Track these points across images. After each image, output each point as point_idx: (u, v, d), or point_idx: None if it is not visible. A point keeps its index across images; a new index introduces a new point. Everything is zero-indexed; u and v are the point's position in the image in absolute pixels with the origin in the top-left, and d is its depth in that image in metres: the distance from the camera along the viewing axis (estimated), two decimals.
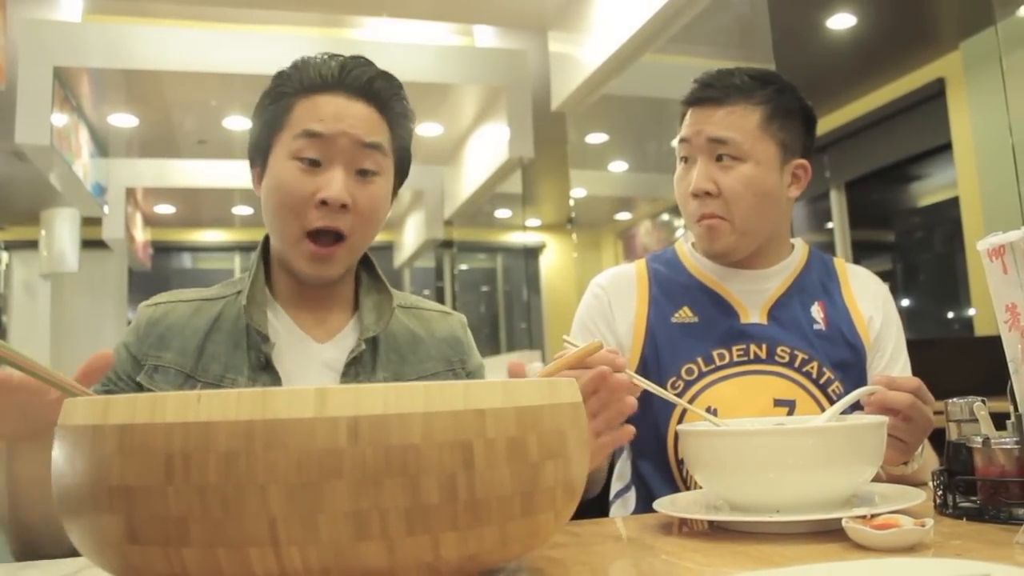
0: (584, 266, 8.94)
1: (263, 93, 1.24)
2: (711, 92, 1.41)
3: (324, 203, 1.15)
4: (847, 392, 1.28)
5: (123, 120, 5.96)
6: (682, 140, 1.44)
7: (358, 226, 1.19)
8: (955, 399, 1.04)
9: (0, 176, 6.83)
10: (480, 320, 9.93)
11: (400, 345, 1.27)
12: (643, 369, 1.41)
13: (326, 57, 1.22)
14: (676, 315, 1.44)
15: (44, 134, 4.45)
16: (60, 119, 4.75)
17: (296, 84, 1.20)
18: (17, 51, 4.36)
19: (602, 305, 1.49)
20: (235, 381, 1.17)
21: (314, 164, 1.16)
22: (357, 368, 1.21)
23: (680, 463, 1.37)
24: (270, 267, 1.28)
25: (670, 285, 1.48)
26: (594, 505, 1.45)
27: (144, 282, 8.77)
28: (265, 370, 1.18)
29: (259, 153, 1.23)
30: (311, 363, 1.21)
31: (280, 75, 1.23)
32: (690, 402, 1.36)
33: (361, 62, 1.23)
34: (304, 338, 1.23)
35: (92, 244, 7.45)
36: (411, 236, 8.51)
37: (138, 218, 8.01)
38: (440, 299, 9.12)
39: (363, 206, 1.18)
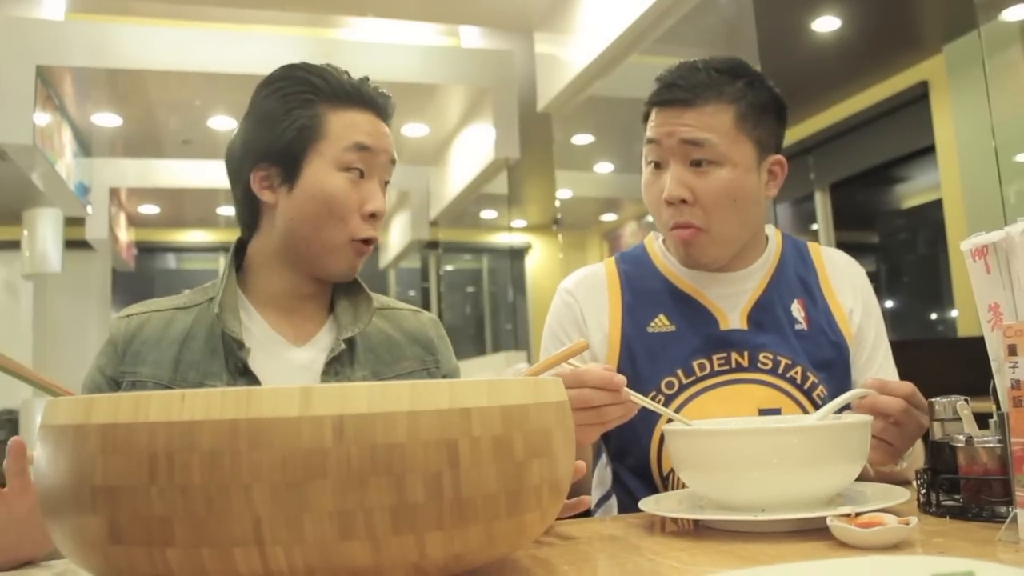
0: (570, 267, 8.92)
1: (278, 95, 1.23)
2: (679, 93, 1.30)
3: (373, 215, 1.22)
4: (832, 395, 1.27)
5: (107, 119, 5.91)
6: (650, 142, 1.35)
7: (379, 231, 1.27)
8: (939, 398, 1.05)
9: None
10: (465, 321, 9.92)
11: (375, 345, 1.28)
12: None
13: (342, 71, 1.27)
14: (652, 324, 1.37)
15: (26, 133, 4.41)
16: (43, 118, 4.72)
17: (326, 93, 1.22)
18: None
19: (573, 313, 1.43)
20: (214, 387, 1.16)
21: (359, 175, 1.22)
22: (337, 367, 1.22)
23: (664, 476, 1.33)
24: (243, 271, 1.28)
25: (642, 290, 1.41)
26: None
27: (128, 283, 8.71)
28: (243, 375, 1.18)
29: (283, 157, 1.21)
30: (288, 366, 1.22)
31: (300, 81, 1.23)
32: None
33: (367, 79, 1.29)
34: (280, 341, 1.23)
35: (75, 244, 7.37)
36: (396, 237, 8.50)
37: (122, 218, 7.96)
38: (425, 300, 9.10)
39: (384, 214, 1.27)
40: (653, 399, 1.31)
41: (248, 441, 0.58)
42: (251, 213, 1.26)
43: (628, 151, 6.75)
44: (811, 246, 1.50)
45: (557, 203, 6.92)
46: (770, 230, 1.47)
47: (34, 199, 6.93)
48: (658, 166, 1.35)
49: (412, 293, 9.56)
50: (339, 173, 1.20)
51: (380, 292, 1.40)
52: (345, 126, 1.21)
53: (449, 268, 9.66)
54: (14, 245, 7.78)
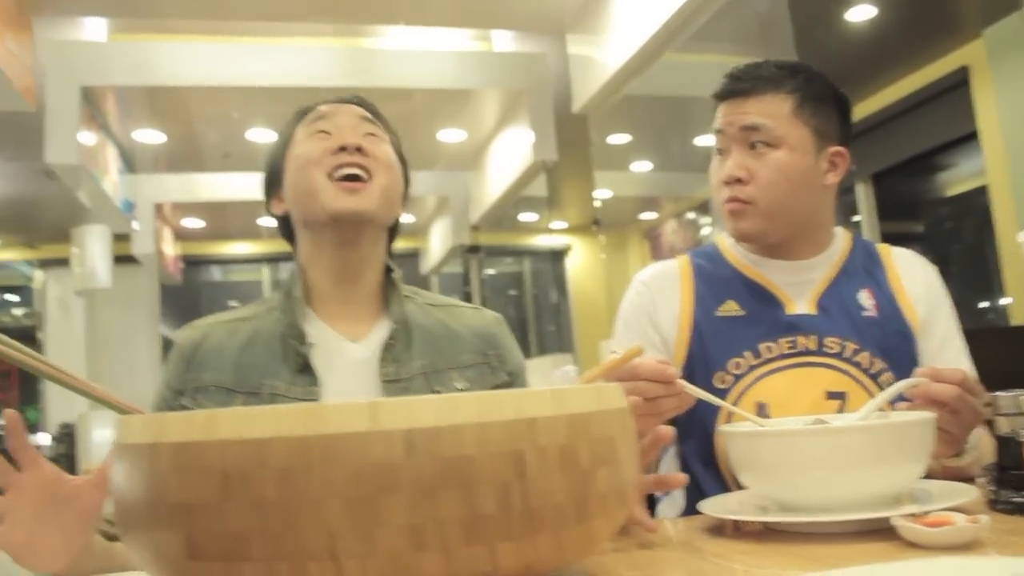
0: (611, 267, 8.90)
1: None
2: (741, 84, 1.42)
3: (343, 149, 1.24)
4: (898, 381, 1.27)
5: (149, 136, 6.01)
6: (716, 132, 1.45)
7: (379, 171, 1.27)
8: (1002, 392, 1.03)
9: (31, 195, 6.91)
10: (509, 324, 9.90)
11: (436, 338, 1.31)
12: (689, 364, 1.41)
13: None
14: (721, 309, 1.44)
15: (73, 153, 4.49)
16: (88, 138, 4.80)
17: (299, 115, 1.35)
18: (45, 72, 4.41)
19: (644, 302, 1.49)
20: (274, 386, 1.20)
21: (326, 133, 1.28)
22: (395, 354, 1.25)
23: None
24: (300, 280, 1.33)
25: (713, 279, 1.48)
26: None
27: (175, 296, 8.85)
28: (303, 372, 1.22)
29: (273, 177, 1.35)
30: (346, 362, 1.25)
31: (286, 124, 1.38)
32: (740, 396, 1.36)
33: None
34: (338, 338, 1.27)
35: (123, 260, 7.50)
36: (437, 243, 8.52)
37: (167, 233, 8.08)
38: None
39: (379, 154, 1.28)
40: (721, 380, 1.38)
41: (319, 457, 0.59)
42: (285, 230, 1.38)
43: (665, 149, 6.72)
44: (879, 245, 1.55)
45: (597, 203, 6.90)
46: (839, 230, 1.53)
47: (82, 217, 7.07)
48: (723, 154, 1.45)
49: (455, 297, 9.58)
50: (306, 140, 1.29)
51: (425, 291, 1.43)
52: (306, 123, 1.32)
53: (490, 272, 9.68)
54: (64, 263, 7.94)
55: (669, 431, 1.01)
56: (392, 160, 1.31)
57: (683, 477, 1.04)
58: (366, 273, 1.31)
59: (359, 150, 1.25)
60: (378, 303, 1.32)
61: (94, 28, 4.72)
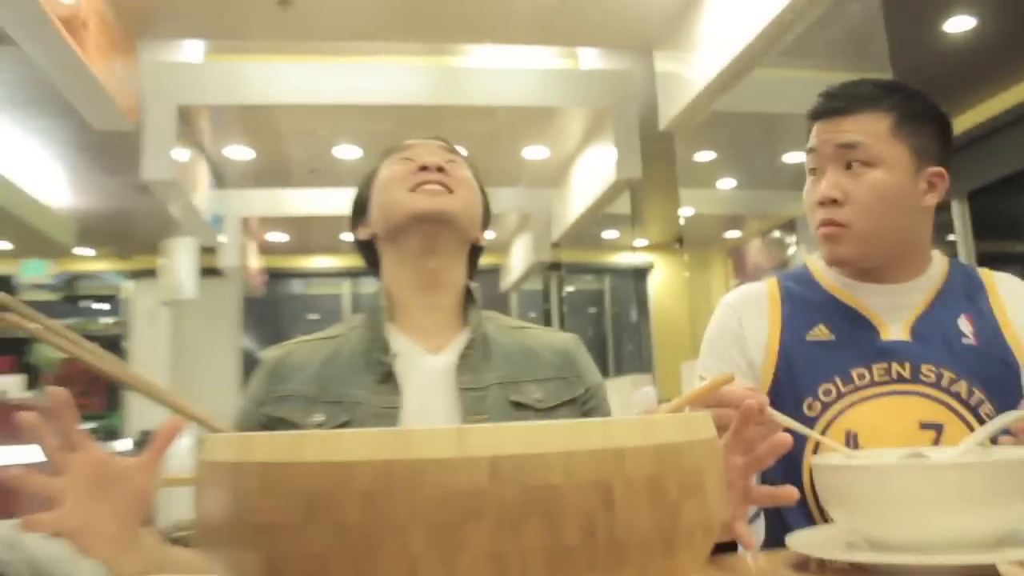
0: (694, 286, 8.79)
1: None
2: (837, 103, 1.38)
3: (424, 168, 1.30)
4: (999, 412, 1.21)
5: (239, 152, 6.19)
6: (810, 151, 1.41)
7: (460, 188, 1.32)
8: None
9: (124, 209, 7.20)
10: (588, 342, 9.74)
11: (512, 354, 1.33)
12: (776, 389, 1.36)
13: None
14: (811, 333, 1.39)
15: (167, 169, 4.65)
16: (182, 154, 4.95)
17: (381, 158, 1.41)
18: (145, 93, 4.58)
19: (731, 325, 1.45)
20: (357, 395, 1.23)
21: (409, 160, 1.34)
22: (470, 364, 1.27)
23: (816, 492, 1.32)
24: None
25: (803, 302, 1.43)
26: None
27: (257, 308, 9.07)
28: (385, 382, 1.24)
29: (360, 206, 1.43)
30: (425, 372, 1.27)
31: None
32: (829, 424, 1.31)
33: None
34: (418, 350, 1.29)
35: (209, 272, 7.72)
36: (518, 259, 8.55)
37: (252, 246, 8.28)
38: (547, 321, 9.11)
39: (459, 175, 1.34)
40: (810, 406, 1.33)
41: (404, 482, 0.58)
42: (369, 255, 1.43)
43: (751, 166, 6.62)
44: (980, 270, 1.48)
45: (681, 221, 6.82)
46: (936, 254, 1.46)
47: (171, 230, 7.30)
48: (817, 173, 1.40)
49: (533, 315, 9.57)
50: (390, 167, 1.36)
51: (502, 314, 1.46)
52: (391, 154, 1.39)
53: (570, 289, 9.65)
54: (152, 273, 8.21)
55: (788, 438, 0.98)
56: (472, 182, 1.37)
57: (793, 491, 1.01)
58: (447, 284, 1.34)
59: (440, 169, 1.31)
60: (458, 318, 1.35)
61: (191, 50, 4.89)
